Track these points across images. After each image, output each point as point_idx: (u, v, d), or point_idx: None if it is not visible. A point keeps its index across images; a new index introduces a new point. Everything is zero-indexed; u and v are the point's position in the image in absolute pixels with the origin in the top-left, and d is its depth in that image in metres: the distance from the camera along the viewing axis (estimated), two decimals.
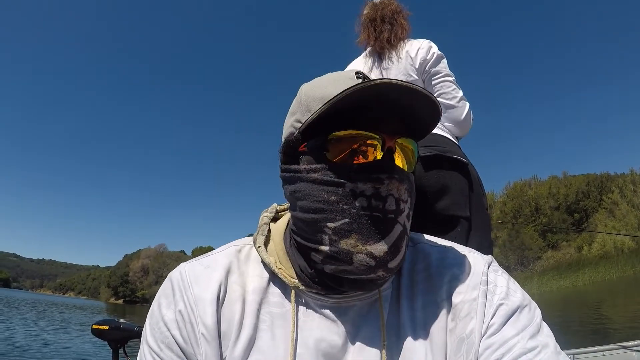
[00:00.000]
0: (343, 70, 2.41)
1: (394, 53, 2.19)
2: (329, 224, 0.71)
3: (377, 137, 0.72)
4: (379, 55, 2.26)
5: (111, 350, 2.20)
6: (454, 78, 2.14)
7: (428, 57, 2.11)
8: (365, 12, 2.35)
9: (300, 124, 0.76)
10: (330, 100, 0.69)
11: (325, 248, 0.72)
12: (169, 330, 0.76)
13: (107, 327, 2.20)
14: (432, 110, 0.73)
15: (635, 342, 4.31)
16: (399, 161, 0.75)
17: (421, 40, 2.19)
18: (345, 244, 0.70)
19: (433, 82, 2.12)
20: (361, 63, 2.35)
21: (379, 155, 0.72)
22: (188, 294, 0.77)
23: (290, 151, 0.78)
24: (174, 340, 0.75)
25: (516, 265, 40.42)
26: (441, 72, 2.11)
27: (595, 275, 30.60)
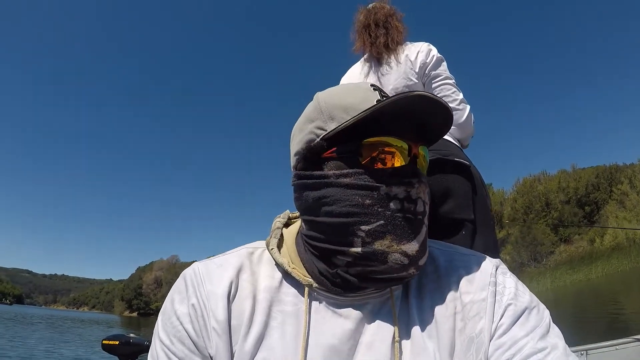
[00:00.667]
0: (342, 75, 2.42)
1: (392, 57, 2.18)
2: (363, 227, 0.73)
3: (406, 144, 0.76)
4: (378, 60, 2.24)
5: None
6: (454, 81, 2.13)
7: (428, 60, 2.10)
8: (358, 18, 2.34)
9: (323, 131, 0.77)
10: (371, 108, 0.72)
11: (357, 250, 0.74)
12: (181, 324, 0.77)
13: (117, 343, 2.23)
14: (447, 121, 0.78)
15: None
16: (419, 166, 0.79)
17: (420, 43, 2.17)
18: (380, 244, 0.73)
19: (433, 85, 2.11)
20: (359, 68, 2.34)
21: (406, 160, 0.76)
22: (201, 289, 0.78)
23: (313, 157, 0.79)
24: (187, 334, 0.76)
25: (529, 261, 40.17)
26: (441, 75, 2.10)
27: (608, 267, 30.29)
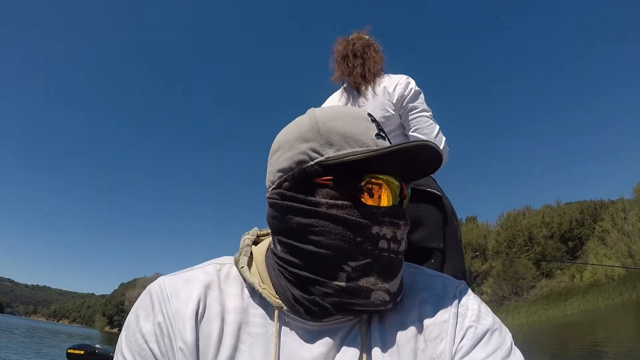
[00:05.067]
0: (320, 104, 2.67)
1: (369, 89, 2.21)
2: (350, 263, 0.73)
3: (399, 185, 0.77)
4: (357, 90, 2.27)
5: None
6: (430, 113, 2.15)
7: (405, 93, 2.13)
8: (337, 49, 2.39)
9: (319, 155, 0.75)
10: (381, 149, 0.71)
11: (341, 284, 0.73)
12: (146, 342, 0.73)
13: (82, 352, 2.39)
14: (435, 169, 0.81)
15: None
16: (404, 206, 0.80)
17: (399, 76, 2.21)
18: (366, 281, 0.73)
19: (410, 117, 2.13)
20: (337, 97, 2.39)
21: (396, 201, 0.77)
22: (167, 307, 0.75)
23: (306, 181, 0.75)
24: (151, 353, 0.72)
25: (510, 294, 39.95)
26: (418, 108, 2.13)
27: (584, 303, 30.36)
